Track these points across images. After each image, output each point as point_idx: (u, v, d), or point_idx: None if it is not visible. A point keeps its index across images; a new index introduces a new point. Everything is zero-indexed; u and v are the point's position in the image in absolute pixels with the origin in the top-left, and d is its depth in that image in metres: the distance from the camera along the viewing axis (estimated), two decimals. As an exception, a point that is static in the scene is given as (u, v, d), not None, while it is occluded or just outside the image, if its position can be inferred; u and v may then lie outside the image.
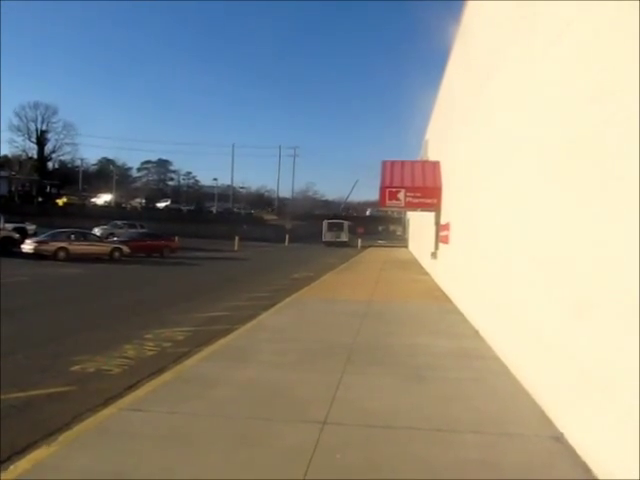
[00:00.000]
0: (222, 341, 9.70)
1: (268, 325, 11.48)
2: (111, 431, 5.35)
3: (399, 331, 10.91)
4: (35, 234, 33.25)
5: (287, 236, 61.99)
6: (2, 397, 6.56)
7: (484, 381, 7.39)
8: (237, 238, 48.31)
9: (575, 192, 5.32)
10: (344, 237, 62.05)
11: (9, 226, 35.76)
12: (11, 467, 4.53)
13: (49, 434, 5.25)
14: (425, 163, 23.90)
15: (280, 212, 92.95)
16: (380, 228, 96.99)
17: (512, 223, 8.08)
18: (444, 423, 5.72)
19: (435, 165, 21.55)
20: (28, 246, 28.02)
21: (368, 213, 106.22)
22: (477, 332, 10.67)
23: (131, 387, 6.93)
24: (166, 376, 7.37)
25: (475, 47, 12.99)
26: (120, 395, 6.55)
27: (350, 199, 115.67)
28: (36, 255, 27.35)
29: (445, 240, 17.98)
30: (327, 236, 62.10)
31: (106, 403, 6.24)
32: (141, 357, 8.85)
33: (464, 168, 14.13)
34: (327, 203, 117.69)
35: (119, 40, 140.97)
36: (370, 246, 60.65)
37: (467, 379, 7.46)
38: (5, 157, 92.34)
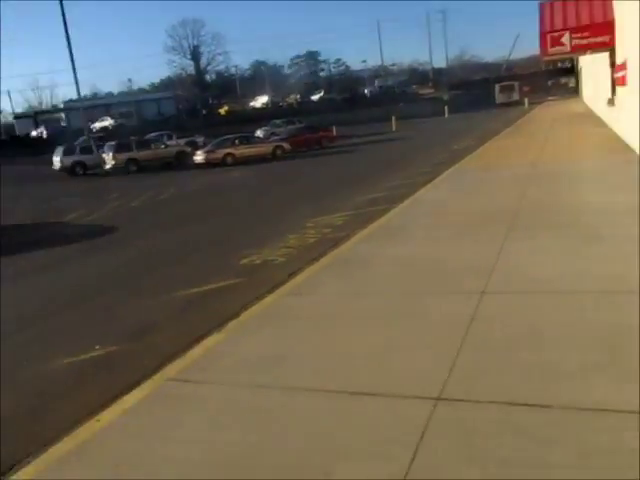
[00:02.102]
0: (380, 221, 9.66)
1: (426, 200, 11.19)
2: (273, 316, 5.62)
3: (571, 190, 9.97)
4: (204, 145, 35.44)
5: (446, 107, 59.07)
6: (181, 294, 7.22)
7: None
8: (394, 118, 47.10)
9: None
10: (515, 97, 65.25)
11: (181, 141, 38.58)
12: (188, 353, 4.98)
13: (220, 324, 5.64)
14: (592, -6, 20.63)
15: (436, 84, 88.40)
16: (549, 83, 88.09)
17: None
18: (616, 285, 5.12)
19: (605, -5, 18.48)
20: (199, 157, 30.04)
21: (534, 70, 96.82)
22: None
23: (292, 274, 7.19)
24: (324, 260, 7.54)
25: None
26: (282, 282, 6.84)
27: (512, 57, 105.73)
28: (207, 164, 29.28)
29: (622, 82, 15.68)
30: (499, 98, 66.22)
31: (270, 291, 6.54)
32: (303, 245, 9.15)
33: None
34: (486, 66, 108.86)
35: None
36: (539, 103, 55.79)
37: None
38: (168, 78, 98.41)
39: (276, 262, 8.27)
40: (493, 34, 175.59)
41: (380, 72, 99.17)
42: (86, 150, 34.32)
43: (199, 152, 30.83)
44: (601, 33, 18.02)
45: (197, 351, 4.98)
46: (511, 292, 5.30)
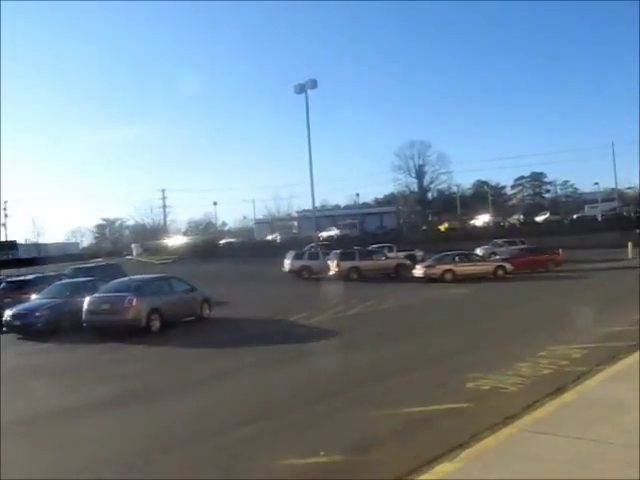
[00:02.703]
0: (627, 360, 8.54)
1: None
2: (512, 453, 5.11)
3: None
4: (423, 259, 35.89)
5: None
6: (406, 410, 7.00)
7: None
8: (630, 244, 43.05)
9: None
10: None
11: (401, 254, 39.64)
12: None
13: (450, 449, 5.29)
14: None
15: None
16: None
17: None
18: None
19: None
20: (418, 271, 30.39)
21: None
22: None
23: (529, 406, 6.57)
24: (566, 397, 6.79)
25: None
26: (518, 415, 6.26)
27: None
28: (425, 278, 29.41)
29: None
30: None
31: (505, 422, 6.03)
32: (536, 375, 8.43)
33: None
34: None
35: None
36: None
37: None
38: (392, 194, 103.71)
39: (507, 390, 7.68)
40: None
41: (613, 194, 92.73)
42: (314, 256, 37.07)
43: (419, 266, 31.22)
44: None
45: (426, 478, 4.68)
46: None
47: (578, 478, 4.45)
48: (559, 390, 7.20)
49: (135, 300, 15.42)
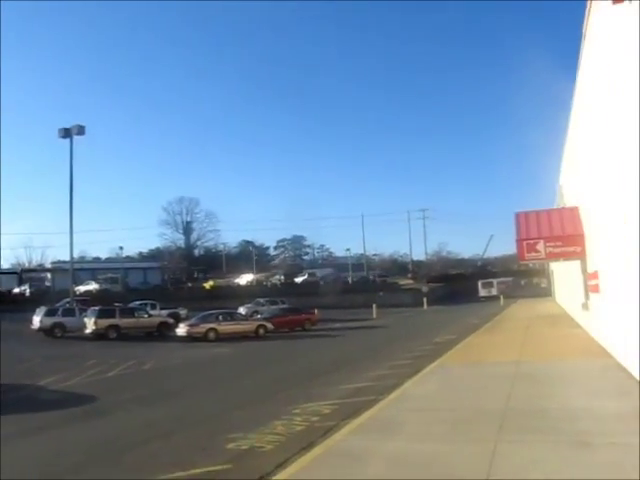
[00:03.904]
0: (368, 413, 9.61)
1: (413, 394, 11.22)
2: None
3: (552, 393, 10.16)
4: (187, 317, 35.66)
5: (425, 299, 60.93)
6: (165, 477, 6.96)
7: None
8: (374, 306, 48.35)
9: None
10: (494, 292, 74.08)
11: (164, 312, 38.83)
12: None
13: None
14: (562, 210, 22.69)
15: (415, 275, 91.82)
16: (522, 282, 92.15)
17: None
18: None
19: (573, 211, 20.37)
20: (181, 330, 30.12)
21: (511, 268, 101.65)
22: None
23: (282, 463, 7.02)
24: (315, 451, 7.42)
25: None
26: (272, 472, 6.67)
27: (487, 255, 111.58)
28: (189, 337, 29.23)
29: (595, 289, 16.70)
30: (482, 292, 76.55)
31: (259, 481, 6.37)
32: (291, 432, 8.99)
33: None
34: (462, 261, 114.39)
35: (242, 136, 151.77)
36: (514, 301, 57.88)
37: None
38: (157, 249, 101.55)
39: (264, 449, 8.09)
40: (469, 233, 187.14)
41: (362, 260, 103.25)
42: (68, 312, 34.38)
43: (182, 325, 30.96)
44: (573, 244, 19.51)
45: None
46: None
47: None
48: (310, 445, 7.81)
49: None
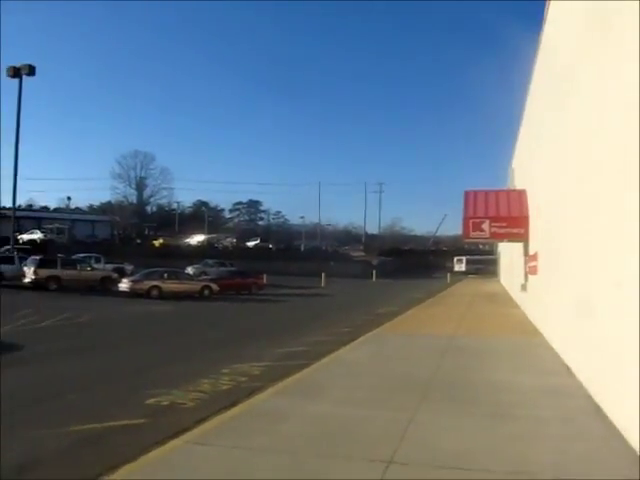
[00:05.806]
0: (297, 376, 9.59)
1: (345, 360, 11.28)
2: (173, 464, 5.34)
3: (480, 366, 10.36)
4: (132, 274, 34.97)
5: (374, 272, 61.62)
6: (77, 428, 6.76)
7: (572, 422, 6.78)
8: (324, 275, 48.58)
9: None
10: (464, 267, 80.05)
11: (109, 266, 38.02)
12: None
13: (113, 466, 5.29)
14: (510, 192, 23.07)
15: (367, 248, 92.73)
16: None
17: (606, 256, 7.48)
18: (524, 466, 5.25)
19: (521, 194, 20.72)
20: (124, 285, 29.51)
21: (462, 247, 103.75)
22: (568, 368, 9.91)
23: (201, 421, 6.92)
24: (236, 410, 7.34)
25: (554, 64, 12.48)
26: (189, 428, 6.55)
27: (441, 233, 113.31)
28: (131, 293, 28.70)
29: (534, 271, 17.11)
30: (455, 267, 80.00)
31: (174, 436, 6.25)
32: (215, 391, 8.89)
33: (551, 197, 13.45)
34: (415, 238, 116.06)
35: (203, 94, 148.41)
36: (459, 280, 59.21)
37: (553, 418, 6.87)
38: (108, 203, 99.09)
39: (185, 406, 7.96)
40: (425, 211, 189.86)
41: (316, 229, 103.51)
42: (7, 260, 33.22)
43: (125, 280, 30.35)
44: (517, 225, 19.90)
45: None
46: (418, 464, 5.30)
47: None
48: (232, 404, 7.73)
49: None
